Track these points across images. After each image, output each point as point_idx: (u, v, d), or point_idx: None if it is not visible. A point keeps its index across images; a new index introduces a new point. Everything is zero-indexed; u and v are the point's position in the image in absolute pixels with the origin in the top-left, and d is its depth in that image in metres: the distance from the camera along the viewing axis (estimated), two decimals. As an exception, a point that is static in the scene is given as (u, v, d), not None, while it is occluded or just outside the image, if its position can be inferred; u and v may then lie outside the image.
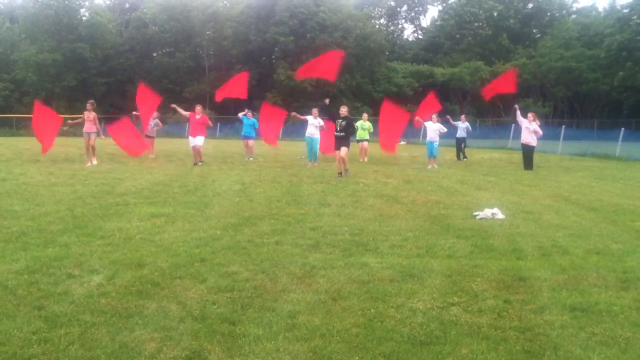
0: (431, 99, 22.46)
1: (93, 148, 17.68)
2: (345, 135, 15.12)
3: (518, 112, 18.93)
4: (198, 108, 18.54)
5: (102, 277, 5.49)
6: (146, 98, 20.11)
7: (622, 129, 28.49)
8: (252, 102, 51.45)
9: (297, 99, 55.27)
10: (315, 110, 18.55)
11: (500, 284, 5.51)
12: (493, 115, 57.16)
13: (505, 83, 21.50)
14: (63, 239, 6.98)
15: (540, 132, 18.69)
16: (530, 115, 19.05)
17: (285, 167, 17.91)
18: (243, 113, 21.46)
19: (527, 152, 18.91)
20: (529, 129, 18.52)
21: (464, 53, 62.84)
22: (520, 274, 5.85)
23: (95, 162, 17.35)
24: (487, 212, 9.22)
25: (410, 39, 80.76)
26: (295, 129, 42.62)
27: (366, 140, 21.91)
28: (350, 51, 56.31)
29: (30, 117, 20.96)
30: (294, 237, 7.37)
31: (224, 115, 48.83)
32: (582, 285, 5.53)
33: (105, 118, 37.06)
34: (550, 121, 46.84)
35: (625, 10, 54.60)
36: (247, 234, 7.54)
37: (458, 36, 64.24)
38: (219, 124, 45.58)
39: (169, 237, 7.21)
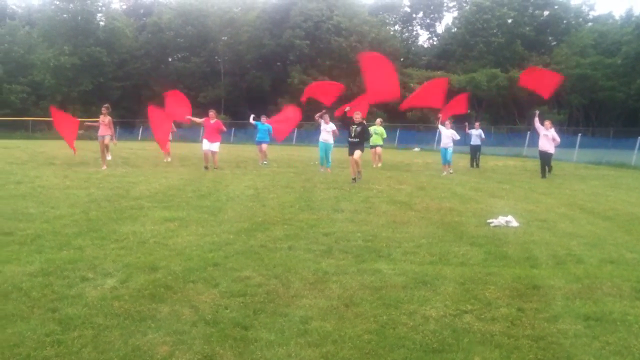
0: (461, 100, 21.79)
1: (107, 148, 17.76)
2: (360, 141, 15.06)
3: (537, 119, 18.80)
4: (211, 113, 18.68)
5: (116, 280, 5.52)
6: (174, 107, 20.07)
7: (639, 137, 28.26)
8: (267, 106, 51.72)
9: (309, 103, 55.24)
10: (326, 116, 18.52)
11: (514, 292, 5.48)
12: (508, 123, 56.98)
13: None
14: (77, 242, 7.02)
15: (559, 139, 18.62)
16: (547, 122, 18.95)
17: (298, 172, 17.92)
18: (254, 118, 21.49)
19: (546, 159, 18.82)
20: (547, 136, 18.44)
21: (477, 60, 62.61)
22: (534, 282, 5.82)
23: (104, 166, 17.38)
24: (501, 220, 9.18)
25: (425, 46, 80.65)
26: (309, 135, 42.72)
27: (379, 145, 21.88)
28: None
29: (47, 121, 21.30)
30: (306, 243, 7.37)
31: (239, 120, 49.05)
32: (596, 295, 5.49)
33: (120, 122, 37.24)
34: (566, 129, 46.56)
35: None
36: (260, 239, 7.55)
37: (472, 43, 63.99)
38: (233, 129, 45.74)
39: (182, 241, 7.24)
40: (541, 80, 19.08)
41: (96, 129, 18.32)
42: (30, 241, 6.97)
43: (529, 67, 20.02)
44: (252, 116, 21.85)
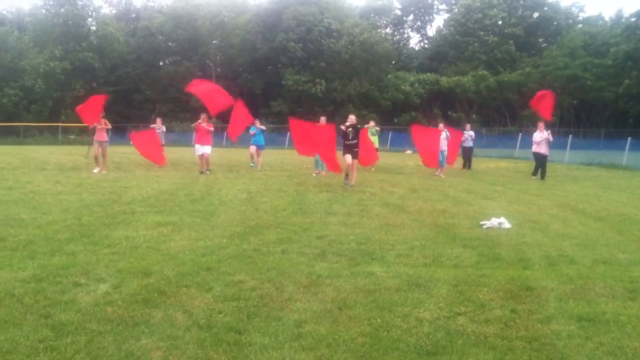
0: (456, 137, 22.35)
1: (104, 157, 17.69)
2: (357, 144, 14.97)
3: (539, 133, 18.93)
4: (203, 116, 18.62)
5: (109, 285, 5.50)
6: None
7: (629, 138, 28.40)
8: (259, 109, 51.70)
9: (302, 105, 55.30)
10: (323, 119, 18.46)
11: (507, 294, 5.49)
12: (499, 125, 57.14)
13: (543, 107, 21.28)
14: (70, 247, 7.00)
15: (551, 138, 18.78)
16: (540, 124, 19.01)
17: (291, 176, 17.91)
18: (255, 126, 21.19)
19: (541, 161, 18.89)
20: (543, 137, 18.50)
21: (470, 61, 62.66)
22: (527, 283, 5.83)
23: (104, 171, 17.36)
24: (493, 222, 9.20)
25: (416, 48, 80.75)
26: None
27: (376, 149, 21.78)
28: (360, 54, 56.38)
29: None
30: (300, 246, 7.37)
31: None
32: (589, 295, 5.51)
33: (112, 127, 37.00)
34: (557, 130, 46.70)
35: (632, 19, 54.49)
36: (253, 242, 7.54)
37: (463, 44, 64.03)
38: (225, 133, 45.63)
39: (175, 246, 7.22)
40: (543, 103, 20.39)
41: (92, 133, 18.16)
42: (22, 247, 6.94)
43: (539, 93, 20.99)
44: (256, 121, 21.45)
